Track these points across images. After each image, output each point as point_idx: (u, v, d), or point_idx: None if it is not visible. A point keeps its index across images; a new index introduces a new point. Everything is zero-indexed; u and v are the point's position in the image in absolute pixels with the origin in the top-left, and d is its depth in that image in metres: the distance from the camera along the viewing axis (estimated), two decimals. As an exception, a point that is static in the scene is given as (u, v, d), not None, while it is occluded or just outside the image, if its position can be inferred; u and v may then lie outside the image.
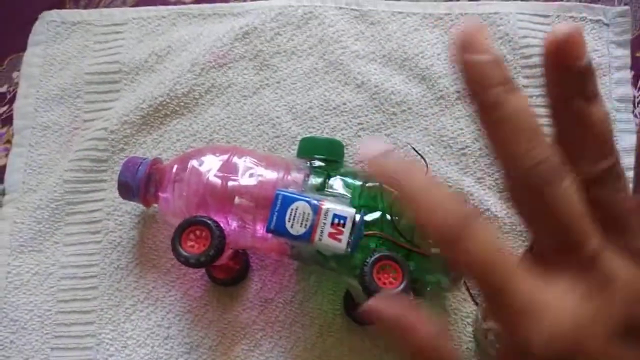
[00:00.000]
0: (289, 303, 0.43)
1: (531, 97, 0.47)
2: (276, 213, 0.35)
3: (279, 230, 0.35)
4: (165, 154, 0.47)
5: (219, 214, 0.38)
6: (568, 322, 0.18)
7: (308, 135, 0.45)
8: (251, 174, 0.39)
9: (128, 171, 0.41)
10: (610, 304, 0.18)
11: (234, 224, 0.39)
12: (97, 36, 0.52)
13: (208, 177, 0.39)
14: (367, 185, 0.39)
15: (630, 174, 0.37)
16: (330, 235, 0.35)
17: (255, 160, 0.40)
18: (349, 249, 0.35)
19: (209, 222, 0.37)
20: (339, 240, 0.35)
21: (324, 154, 0.41)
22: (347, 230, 0.35)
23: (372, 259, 0.35)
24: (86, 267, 0.44)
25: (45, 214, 0.45)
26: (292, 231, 0.35)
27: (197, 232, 0.37)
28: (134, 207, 0.45)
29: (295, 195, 0.36)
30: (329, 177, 0.39)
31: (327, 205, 0.35)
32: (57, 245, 0.45)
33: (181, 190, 0.39)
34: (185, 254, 0.37)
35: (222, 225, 0.38)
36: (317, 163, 0.41)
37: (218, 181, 0.39)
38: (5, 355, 0.42)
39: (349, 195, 0.38)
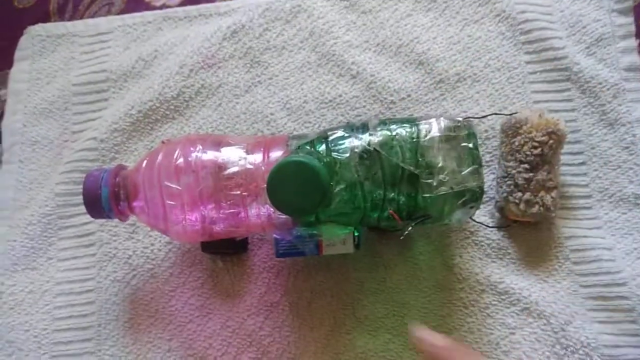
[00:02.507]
0: (295, 305, 0.41)
1: (534, 73, 0.45)
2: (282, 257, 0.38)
3: (288, 255, 0.37)
4: (158, 159, 0.45)
5: (201, 208, 0.36)
6: None
7: (277, 176, 0.32)
8: (235, 162, 0.36)
9: (91, 189, 0.36)
10: None
11: (221, 211, 0.36)
12: (83, 47, 0.51)
13: (180, 175, 0.35)
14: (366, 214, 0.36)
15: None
16: (337, 247, 0.37)
17: (240, 146, 0.37)
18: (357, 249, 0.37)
19: None
20: (346, 249, 0.37)
21: (300, 215, 0.35)
22: (349, 242, 0.36)
23: None
24: (82, 282, 0.42)
25: (38, 230, 0.44)
26: (301, 249, 0.37)
27: None
28: (128, 216, 0.44)
29: (293, 253, 0.37)
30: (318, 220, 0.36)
31: (327, 253, 0.37)
32: (51, 261, 0.43)
33: (154, 195, 0.35)
34: None
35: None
36: None
37: (193, 176, 0.35)
38: (2, 380, 0.40)
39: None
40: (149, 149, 0.46)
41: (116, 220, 0.38)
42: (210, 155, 0.36)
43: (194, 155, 0.36)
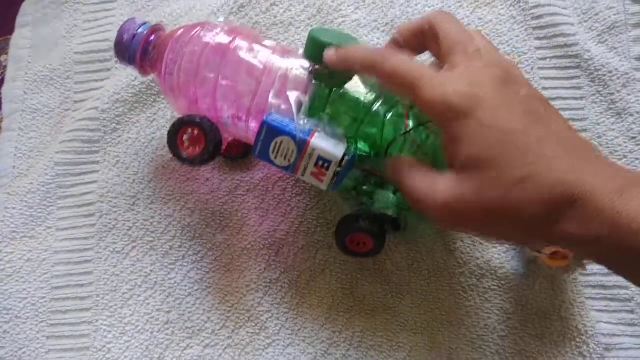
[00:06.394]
0: (294, 283, 0.41)
1: (545, 59, 0.45)
2: (260, 142, 0.34)
3: (262, 158, 0.34)
4: (160, 132, 0.45)
5: (212, 99, 0.36)
6: (464, 85, 0.27)
7: (319, 29, 0.36)
8: (257, 57, 0.36)
9: (126, 31, 0.38)
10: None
11: (228, 114, 0.37)
12: (87, 15, 0.50)
13: (210, 46, 0.36)
14: (372, 112, 0.35)
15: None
16: (313, 174, 0.34)
17: (267, 48, 0.37)
18: (331, 188, 0.34)
19: (197, 120, 0.36)
20: (321, 181, 0.34)
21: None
22: (330, 173, 0.33)
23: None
24: (80, 252, 0.42)
25: (37, 199, 0.43)
26: (276, 162, 0.34)
27: (190, 132, 0.37)
28: (128, 188, 0.43)
29: (281, 127, 0.33)
30: (330, 93, 0.35)
31: (314, 143, 0.33)
32: (49, 231, 0.43)
33: (178, 60, 0.36)
34: (186, 156, 0.37)
35: (213, 117, 0.37)
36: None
37: (219, 56, 0.36)
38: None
39: (342, 129, 0.34)
40: (152, 121, 0.45)
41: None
42: (245, 43, 0.36)
43: (221, 34, 0.36)
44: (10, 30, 0.50)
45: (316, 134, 0.33)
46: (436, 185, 0.28)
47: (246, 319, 0.40)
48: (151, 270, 0.41)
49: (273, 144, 0.33)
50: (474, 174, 0.27)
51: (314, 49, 0.33)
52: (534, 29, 0.45)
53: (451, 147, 0.28)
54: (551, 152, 0.26)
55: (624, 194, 0.25)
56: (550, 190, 0.25)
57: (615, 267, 0.27)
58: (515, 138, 0.26)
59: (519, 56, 0.45)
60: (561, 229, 0.25)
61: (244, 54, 0.36)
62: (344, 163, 0.33)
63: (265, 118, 0.33)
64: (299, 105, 0.34)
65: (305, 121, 0.33)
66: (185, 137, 0.37)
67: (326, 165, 0.33)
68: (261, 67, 0.35)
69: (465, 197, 0.27)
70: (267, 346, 0.39)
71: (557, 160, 0.26)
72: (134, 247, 0.42)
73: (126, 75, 0.46)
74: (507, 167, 0.26)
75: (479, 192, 0.26)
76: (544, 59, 0.45)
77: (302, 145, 0.33)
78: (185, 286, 0.41)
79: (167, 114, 0.45)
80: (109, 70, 0.47)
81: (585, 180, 0.25)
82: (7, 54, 0.50)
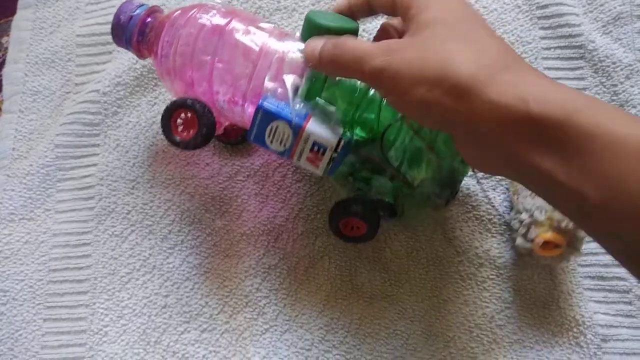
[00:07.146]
0: (293, 269, 0.41)
1: (549, 49, 0.44)
2: (256, 126, 0.33)
3: (258, 142, 0.34)
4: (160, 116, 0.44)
5: (208, 82, 0.36)
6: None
7: (316, 11, 0.34)
8: (254, 40, 0.35)
9: (123, 13, 0.38)
10: None
11: (224, 98, 0.36)
12: (89, -3, 0.49)
13: (206, 28, 0.35)
14: (368, 97, 0.34)
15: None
16: (309, 159, 0.33)
17: (264, 32, 0.36)
18: (327, 174, 0.34)
19: (189, 102, 0.36)
20: (316, 166, 0.34)
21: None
22: (325, 158, 0.33)
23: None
24: (79, 235, 0.42)
25: (36, 181, 0.43)
26: (272, 147, 0.34)
27: (183, 115, 0.36)
28: (128, 171, 0.43)
29: (276, 111, 0.33)
30: (327, 77, 0.34)
31: (310, 129, 0.32)
32: (48, 213, 0.43)
33: (174, 42, 0.36)
34: (179, 140, 0.36)
35: (209, 101, 0.37)
36: None
37: (216, 37, 0.35)
38: (-4, 327, 0.40)
39: (338, 114, 0.34)
40: (153, 104, 0.45)
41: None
42: (241, 25, 0.36)
43: (217, 16, 0.36)
44: (12, 12, 0.50)
45: (312, 119, 0.33)
46: (384, 42, 0.28)
47: (244, 304, 0.40)
48: (150, 254, 0.41)
49: (269, 128, 0.33)
50: (426, 30, 0.27)
51: (311, 32, 0.32)
52: (539, 18, 0.45)
53: (417, 16, 0.28)
54: (502, 41, 0.28)
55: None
56: (487, 54, 0.26)
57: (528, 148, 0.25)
58: (473, 15, 0.28)
59: (523, 46, 0.44)
60: (488, 96, 0.24)
61: (240, 36, 0.35)
62: (339, 149, 0.33)
63: (261, 102, 0.33)
64: (295, 89, 0.33)
65: (301, 105, 0.33)
66: (179, 121, 0.37)
67: (321, 150, 0.33)
68: (257, 49, 0.35)
69: (410, 44, 0.27)
70: (264, 331, 0.39)
71: (507, 47, 0.27)
72: (132, 231, 0.42)
73: (128, 59, 0.45)
74: (458, 27, 0.27)
75: (423, 40, 0.27)
76: (548, 48, 0.44)
77: (297, 130, 0.32)
78: (184, 270, 0.41)
79: (167, 97, 0.45)
80: (110, 53, 0.47)
81: (524, 66, 0.26)
82: (8, 35, 0.50)
